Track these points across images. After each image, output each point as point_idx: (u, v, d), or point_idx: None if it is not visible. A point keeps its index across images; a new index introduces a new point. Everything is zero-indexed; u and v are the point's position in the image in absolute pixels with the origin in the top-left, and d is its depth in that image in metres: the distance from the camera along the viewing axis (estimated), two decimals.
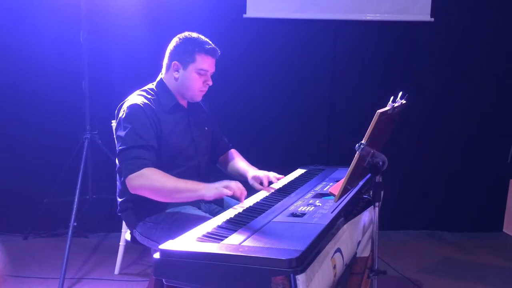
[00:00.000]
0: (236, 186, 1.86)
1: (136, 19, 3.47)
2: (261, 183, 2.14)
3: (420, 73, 3.73)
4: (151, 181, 1.87)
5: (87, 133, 3.25)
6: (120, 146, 1.96)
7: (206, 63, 2.05)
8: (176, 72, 2.07)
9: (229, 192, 1.84)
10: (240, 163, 2.32)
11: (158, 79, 2.15)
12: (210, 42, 2.08)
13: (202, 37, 2.10)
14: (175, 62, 2.06)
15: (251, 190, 2.08)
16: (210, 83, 2.10)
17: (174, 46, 2.08)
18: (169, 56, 2.10)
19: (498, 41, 3.70)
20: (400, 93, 1.88)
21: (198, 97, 2.13)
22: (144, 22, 3.48)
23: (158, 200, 1.93)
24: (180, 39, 2.08)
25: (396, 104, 1.79)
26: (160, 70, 2.17)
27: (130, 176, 1.88)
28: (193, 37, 2.08)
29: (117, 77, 3.52)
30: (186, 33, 2.10)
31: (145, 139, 1.94)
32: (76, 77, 3.35)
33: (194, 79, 2.06)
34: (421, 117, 3.73)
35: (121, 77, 3.50)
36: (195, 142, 2.15)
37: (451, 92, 3.75)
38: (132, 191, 1.91)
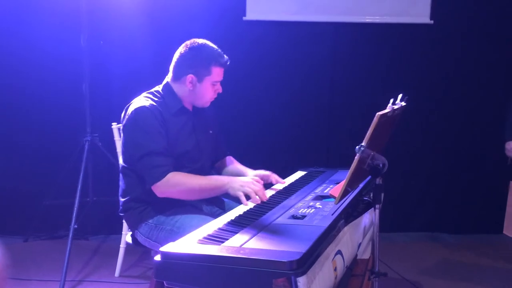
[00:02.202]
0: (255, 196, 1.87)
1: (136, 22, 3.48)
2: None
3: (420, 75, 3.73)
4: (176, 186, 1.95)
5: (87, 135, 3.25)
6: (136, 152, 1.97)
7: (220, 75, 2.07)
8: (190, 84, 2.06)
9: (246, 204, 1.86)
10: (238, 166, 2.34)
11: (164, 82, 2.14)
12: (221, 52, 2.07)
13: (213, 46, 2.08)
14: (191, 76, 2.04)
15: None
16: (220, 90, 2.12)
17: (189, 58, 2.04)
18: (181, 67, 2.06)
19: (498, 43, 3.70)
20: (400, 95, 1.89)
21: (208, 104, 2.16)
22: (144, 24, 3.49)
23: (186, 199, 2.02)
24: (193, 50, 2.04)
25: (396, 106, 1.79)
26: (161, 73, 2.17)
27: (156, 184, 1.94)
28: (207, 49, 2.05)
29: (117, 79, 3.53)
30: (195, 42, 2.06)
31: (158, 142, 1.97)
32: (77, 80, 3.35)
33: (208, 90, 2.08)
34: (421, 119, 3.74)
35: (122, 80, 3.51)
36: (199, 145, 2.16)
37: (450, 94, 3.76)
38: (160, 196, 1.97)
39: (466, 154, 3.82)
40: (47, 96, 3.51)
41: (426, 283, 2.92)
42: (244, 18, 3.58)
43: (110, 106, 3.43)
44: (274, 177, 2.23)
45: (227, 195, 1.99)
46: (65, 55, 3.46)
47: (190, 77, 2.04)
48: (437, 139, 3.80)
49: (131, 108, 2.03)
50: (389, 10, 3.62)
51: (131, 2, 3.45)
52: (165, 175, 1.93)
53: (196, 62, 2.04)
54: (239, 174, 2.25)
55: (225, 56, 2.07)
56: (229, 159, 2.40)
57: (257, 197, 1.87)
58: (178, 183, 1.94)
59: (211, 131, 2.26)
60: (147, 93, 2.12)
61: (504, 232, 3.89)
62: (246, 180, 1.94)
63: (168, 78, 2.14)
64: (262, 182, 2.00)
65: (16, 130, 3.56)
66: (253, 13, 3.58)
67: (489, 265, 3.26)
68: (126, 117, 2.03)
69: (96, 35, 3.40)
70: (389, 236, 3.68)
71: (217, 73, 2.05)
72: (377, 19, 3.65)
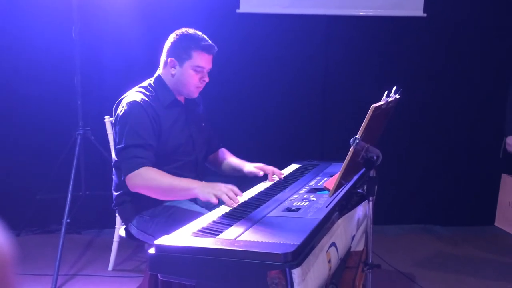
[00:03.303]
0: (227, 199, 1.76)
1: (128, 15, 3.45)
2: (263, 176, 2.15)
3: (413, 68, 3.74)
4: (148, 180, 1.90)
5: (79, 129, 3.23)
6: (119, 145, 1.96)
7: (203, 60, 2.04)
8: (172, 69, 2.06)
9: (216, 202, 1.79)
10: (233, 159, 2.33)
11: (156, 75, 2.14)
12: (207, 39, 2.07)
13: (199, 33, 2.08)
14: (171, 58, 2.05)
15: (245, 186, 2.07)
16: (207, 80, 2.09)
17: (171, 43, 2.07)
18: (166, 53, 2.09)
19: (491, 37, 3.72)
20: (394, 88, 1.89)
21: (194, 94, 2.12)
22: (136, 17, 3.46)
23: (156, 198, 1.96)
24: (177, 35, 2.07)
25: (390, 99, 1.79)
26: (153, 66, 2.17)
27: (129, 175, 1.91)
28: (190, 34, 2.06)
29: (109, 73, 3.50)
30: (183, 29, 2.08)
31: (144, 138, 1.94)
32: (68, 73, 3.32)
33: (191, 76, 2.05)
34: (414, 112, 3.75)
35: (114, 73, 3.48)
36: (192, 138, 2.15)
37: (444, 87, 3.77)
38: (131, 190, 1.94)
39: (459, 147, 3.84)
40: (39, 90, 3.48)
41: (419, 275, 2.95)
42: (238, 11, 3.56)
43: (103, 99, 3.40)
44: (272, 169, 2.21)
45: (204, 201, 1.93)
46: (56, 48, 3.42)
47: (171, 60, 2.05)
48: (430, 132, 3.82)
49: (122, 102, 2.02)
50: (383, 3, 3.61)
51: None
52: (140, 167, 1.89)
53: (177, 45, 2.05)
54: (236, 168, 2.24)
55: (209, 41, 2.05)
56: (222, 151, 2.39)
57: (230, 200, 1.76)
58: (150, 177, 1.89)
59: (203, 124, 2.25)
60: (139, 87, 2.11)
61: (496, 224, 3.92)
62: (217, 184, 1.86)
63: (159, 69, 2.13)
64: (236, 188, 1.85)
65: (8, 124, 3.53)
66: (246, 5, 3.56)
67: (481, 257, 3.29)
68: (117, 110, 2.02)
69: (87, 28, 3.37)
70: (382, 229, 3.70)
71: (198, 58, 2.03)
72: (370, 12, 3.65)
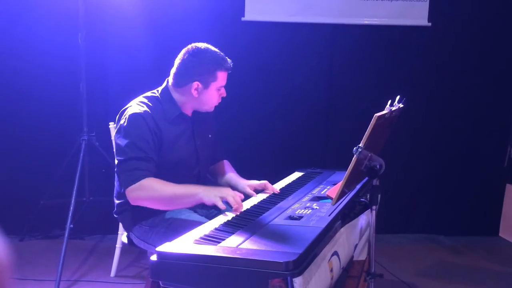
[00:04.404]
0: (233, 200, 1.81)
1: (134, 21, 3.47)
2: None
3: (417, 77, 3.74)
4: (150, 192, 1.88)
5: (84, 134, 3.23)
6: (119, 157, 1.95)
7: (224, 79, 2.05)
8: (196, 91, 2.02)
9: (223, 207, 1.81)
10: (230, 174, 2.28)
11: (163, 86, 2.11)
12: (223, 55, 2.04)
13: (216, 49, 2.04)
14: (197, 83, 2.00)
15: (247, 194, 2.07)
16: (225, 94, 2.09)
17: (193, 66, 2.00)
18: (185, 75, 2.02)
19: (495, 46, 3.71)
20: (398, 97, 1.89)
21: (213, 109, 2.13)
22: (142, 24, 3.48)
23: (159, 209, 1.95)
24: (196, 56, 2.00)
25: (393, 108, 1.79)
26: (159, 73, 2.16)
27: (129, 188, 1.89)
28: (211, 54, 2.01)
29: (115, 78, 3.52)
30: (200, 47, 2.02)
31: (145, 151, 1.92)
32: (74, 79, 3.34)
33: (214, 96, 2.06)
34: (418, 120, 3.74)
35: (119, 79, 3.49)
36: (197, 152, 2.12)
37: (447, 96, 3.76)
38: (132, 203, 1.92)
39: (463, 156, 3.82)
40: (44, 95, 3.50)
41: (422, 285, 2.93)
42: (243, 19, 3.58)
43: (108, 105, 3.42)
44: (268, 186, 2.17)
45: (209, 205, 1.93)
46: (62, 53, 3.44)
47: (196, 84, 2.00)
48: (434, 141, 3.81)
49: (125, 113, 2.00)
50: (387, 12, 3.62)
51: (129, 2, 3.44)
52: (141, 179, 1.87)
53: (201, 69, 1.99)
54: (232, 184, 2.20)
55: (228, 59, 2.04)
56: (223, 164, 2.35)
57: (235, 203, 1.80)
58: (151, 188, 1.87)
59: (210, 135, 2.23)
60: (143, 97, 2.08)
61: (500, 234, 3.90)
62: (223, 189, 1.89)
63: (169, 83, 2.09)
64: (241, 195, 1.90)
65: (13, 129, 3.54)
66: (251, 13, 3.58)
67: (485, 267, 3.27)
68: (120, 121, 2.00)
69: (94, 34, 3.39)
70: (385, 238, 3.68)
71: (222, 78, 2.03)
72: (375, 21, 3.65)
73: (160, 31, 3.46)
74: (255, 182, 2.17)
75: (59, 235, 3.48)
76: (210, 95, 2.04)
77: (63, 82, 3.48)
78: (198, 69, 2.00)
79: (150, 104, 2.03)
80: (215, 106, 2.15)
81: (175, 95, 2.06)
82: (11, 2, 3.44)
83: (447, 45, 3.71)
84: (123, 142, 1.94)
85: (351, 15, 3.63)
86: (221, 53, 2.05)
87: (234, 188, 2.16)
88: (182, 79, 2.03)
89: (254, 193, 2.09)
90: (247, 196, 2.04)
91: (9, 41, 3.46)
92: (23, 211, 3.51)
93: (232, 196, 1.82)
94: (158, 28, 3.47)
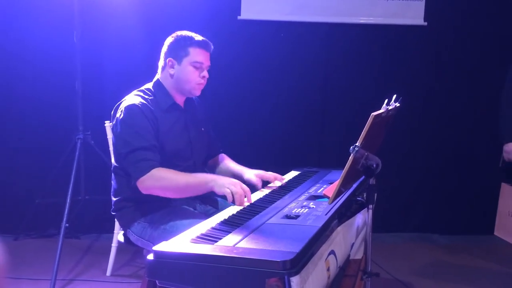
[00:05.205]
0: (239, 197, 1.82)
1: (130, 20, 3.46)
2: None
3: (413, 76, 3.75)
4: (162, 181, 1.92)
5: (79, 133, 3.23)
6: (124, 149, 1.96)
7: (200, 55, 2.07)
8: (171, 69, 2.08)
9: (231, 200, 1.83)
10: (232, 164, 2.31)
11: (154, 80, 2.16)
12: (202, 37, 2.11)
13: (194, 33, 2.12)
14: (170, 58, 2.08)
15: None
16: (207, 75, 2.11)
17: (168, 45, 2.11)
18: (163, 55, 2.12)
19: (491, 45, 3.73)
20: (395, 96, 1.89)
21: (197, 91, 2.13)
22: (138, 22, 3.47)
23: (171, 197, 1.99)
24: (172, 37, 2.12)
25: (390, 107, 1.79)
26: (154, 71, 2.17)
27: (141, 179, 1.91)
28: (184, 33, 2.11)
29: (110, 77, 3.51)
30: (178, 32, 2.13)
31: (148, 140, 1.96)
32: (69, 77, 3.33)
33: (190, 72, 2.07)
34: (413, 120, 3.75)
35: (115, 77, 3.48)
36: (191, 143, 2.15)
37: (443, 96, 3.78)
38: (144, 192, 1.94)
39: (458, 155, 3.84)
40: (39, 94, 3.49)
41: (418, 284, 2.94)
42: (239, 17, 3.58)
43: (103, 104, 3.39)
44: (274, 175, 2.20)
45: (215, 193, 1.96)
46: (57, 52, 3.43)
47: (169, 60, 2.08)
48: (430, 140, 3.82)
49: (121, 107, 2.02)
50: (383, 12, 3.63)
51: (125, 0, 3.43)
52: (151, 170, 1.91)
53: (173, 45, 2.09)
54: (236, 174, 2.22)
55: (204, 38, 2.09)
56: (222, 156, 2.38)
57: (241, 196, 1.83)
58: (163, 177, 1.92)
59: (203, 128, 2.26)
60: (137, 90, 2.12)
61: (495, 233, 3.91)
62: (233, 180, 1.90)
63: (158, 74, 2.15)
64: (248, 190, 1.92)
65: (8, 127, 3.53)
66: (247, 12, 3.58)
67: (480, 266, 3.28)
68: (116, 115, 2.02)
69: (89, 32, 3.38)
70: (381, 237, 3.69)
71: (196, 53, 2.06)
72: (371, 20, 3.66)
73: (156, 29, 3.45)
74: (260, 172, 2.18)
75: (54, 234, 3.47)
76: (186, 71, 2.07)
77: (58, 80, 3.48)
78: (171, 47, 2.09)
79: (145, 96, 2.07)
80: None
81: (165, 83, 2.12)
82: (6, 0, 3.42)
83: (443, 45, 3.73)
84: (124, 133, 1.97)
85: (347, 14, 3.64)
86: (200, 36, 2.10)
87: (238, 178, 2.16)
88: (162, 62, 2.12)
89: (260, 183, 2.11)
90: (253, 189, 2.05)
91: (3, 39, 3.45)
92: (18, 210, 3.50)
93: (241, 187, 1.84)
94: (154, 27, 3.47)
